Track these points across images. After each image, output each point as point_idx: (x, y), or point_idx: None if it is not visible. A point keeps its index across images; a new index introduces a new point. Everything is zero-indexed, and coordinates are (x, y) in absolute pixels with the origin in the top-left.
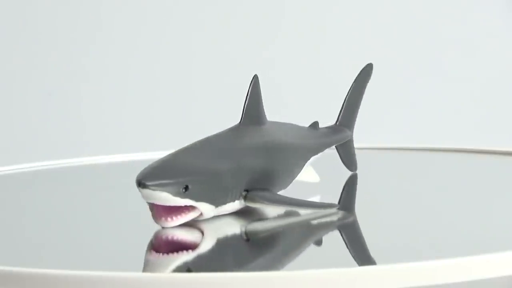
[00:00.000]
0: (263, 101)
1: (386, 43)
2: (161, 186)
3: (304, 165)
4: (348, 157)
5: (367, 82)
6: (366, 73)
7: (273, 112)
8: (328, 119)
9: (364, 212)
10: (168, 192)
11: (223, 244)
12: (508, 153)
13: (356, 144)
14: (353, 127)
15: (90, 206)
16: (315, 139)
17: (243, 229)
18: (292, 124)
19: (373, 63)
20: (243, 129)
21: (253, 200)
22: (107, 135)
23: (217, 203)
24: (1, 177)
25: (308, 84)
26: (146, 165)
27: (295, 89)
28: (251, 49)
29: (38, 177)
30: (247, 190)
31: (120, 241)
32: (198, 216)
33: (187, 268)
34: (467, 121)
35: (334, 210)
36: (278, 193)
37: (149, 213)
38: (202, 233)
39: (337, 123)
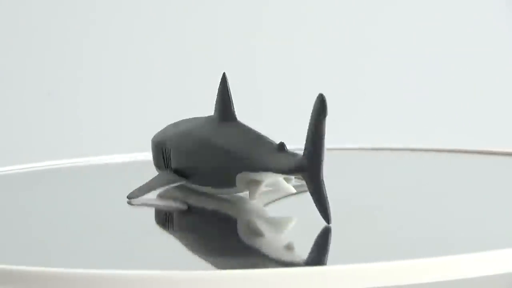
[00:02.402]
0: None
1: (385, 42)
2: None
3: (235, 173)
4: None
5: (321, 117)
6: (317, 106)
7: None
8: None
9: (359, 211)
10: None
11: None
12: (508, 154)
13: (346, 144)
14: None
15: (89, 206)
16: (251, 156)
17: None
18: (261, 136)
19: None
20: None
21: None
22: (107, 135)
23: None
24: (1, 177)
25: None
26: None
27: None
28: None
29: (37, 177)
30: None
31: (120, 240)
32: None
33: None
34: (467, 121)
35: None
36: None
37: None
38: None
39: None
